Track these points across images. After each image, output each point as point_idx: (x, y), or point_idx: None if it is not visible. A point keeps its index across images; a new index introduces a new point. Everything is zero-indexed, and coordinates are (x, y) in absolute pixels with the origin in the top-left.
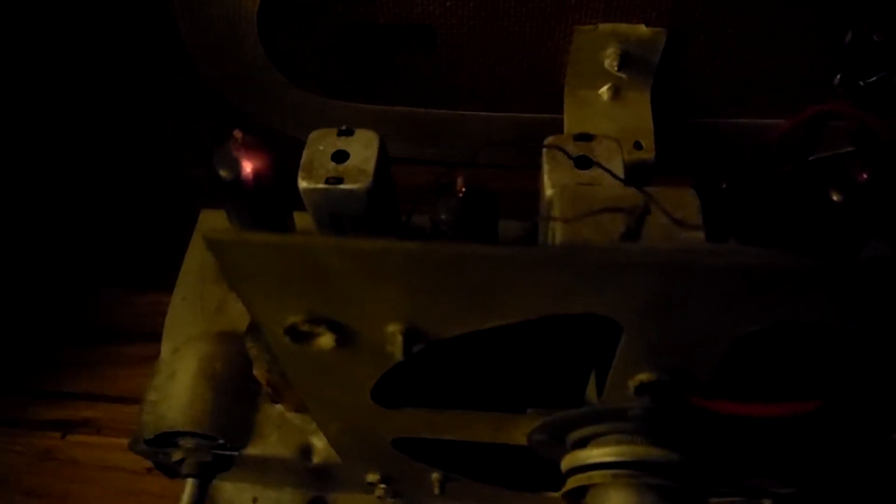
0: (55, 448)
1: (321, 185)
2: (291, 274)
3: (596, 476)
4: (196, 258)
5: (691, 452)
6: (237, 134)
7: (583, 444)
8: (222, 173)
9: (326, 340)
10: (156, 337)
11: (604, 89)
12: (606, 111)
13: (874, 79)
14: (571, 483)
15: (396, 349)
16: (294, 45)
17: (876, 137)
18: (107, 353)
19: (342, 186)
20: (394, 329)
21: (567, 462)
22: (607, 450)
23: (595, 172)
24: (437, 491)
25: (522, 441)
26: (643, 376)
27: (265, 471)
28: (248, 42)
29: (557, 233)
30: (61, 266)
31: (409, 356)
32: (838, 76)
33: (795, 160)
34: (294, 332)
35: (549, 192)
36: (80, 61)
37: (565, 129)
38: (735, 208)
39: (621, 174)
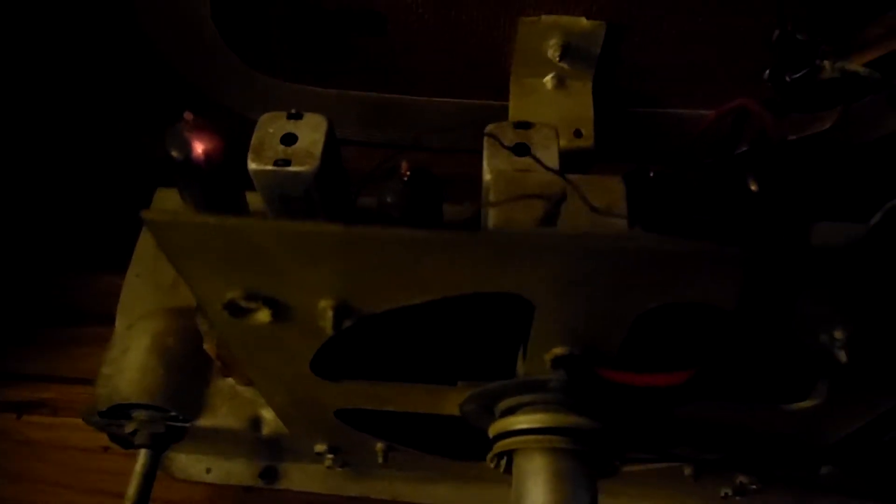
0: (10, 429)
1: (269, 167)
2: (227, 254)
3: (519, 441)
4: (150, 236)
5: (608, 419)
6: (188, 116)
7: (510, 412)
8: (173, 153)
9: (263, 315)
10: (112, 318)
11: (548, 78)
12: (550, 99)
13: (799, 75)
14: (498, 448)
15: (327, 324)
16: (246, 27)
17: (764, 135)
18: (63, 335)
19: (290, 169)
20: (325, 305)
21: (494, 429)
22: (529, 417)
23: (531, 159)
24: (380, 460)
25: (455, 411)
26: (557, 350)
27: (217, 441)
28: (203, 23)
29: (490, 216)
30: (15, 248)
31: (339, 330)
32: (767, 71)
33: (720, 151)
34: (232, 308)
35: (487, 176)
36: (33, 41)
37: (510, 117)
38: (660, 195)
39: (556, 161)
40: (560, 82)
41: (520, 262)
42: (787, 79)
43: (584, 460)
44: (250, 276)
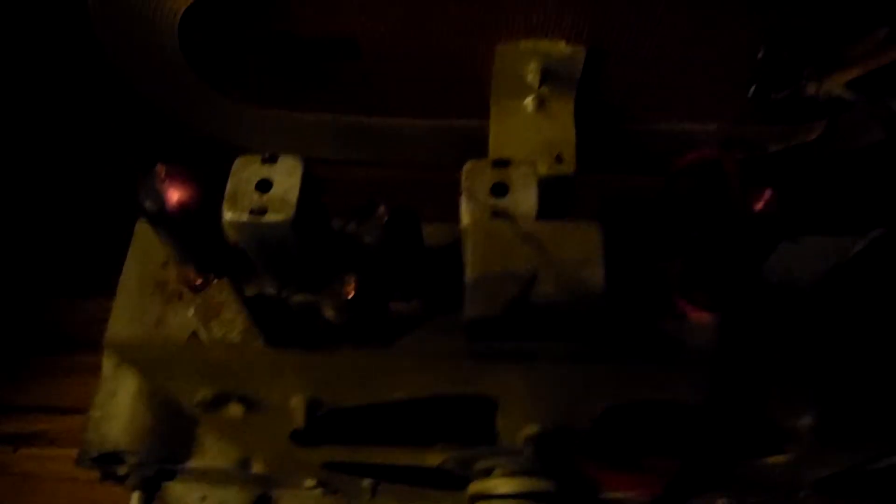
0: (8, 462)
1: (245, 218)
2: (193, 369)
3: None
4: (133, 272)
5: (575, 482)
6: (159, 169)
7: (486, 473)
8: (147, 205)
9: (236, 410)
10: (101, 345)
11: (528, 100)
12: (531, 122)
13: (783, 93)
14: None
15: (299, 418)
16: (218, 57)
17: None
18: (54, 364)
19: (265, 219)
20: (296, 402)
21: (473, 488)
22: (504, 482)
23: (510, 200)
24: (368, 496)
25: (436, 463)
26: (529, 430)
27: (209, 477)
28: (172, 57)
29: (469, 267)
30: (4, 277)
31: (312, 423)
32: (753, 88)
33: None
34: (204, 405)
35: (465, 220)
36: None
37: (490, 141)
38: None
39: (534, 204)
40: (541, 104)
41: (477, 379)
42: (773, 96)
43: None
44: (219, 382)
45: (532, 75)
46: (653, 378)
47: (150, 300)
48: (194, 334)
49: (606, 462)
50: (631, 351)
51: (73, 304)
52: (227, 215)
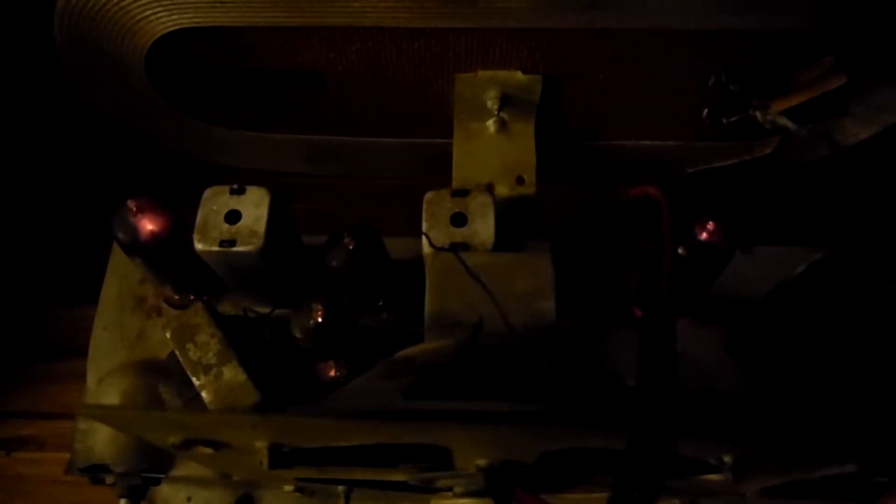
0: (1, 466)
1: (215, 248)
2: (161, 426)
3: None
4: (113, 287)
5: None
6: (130, 204)
7: (448, 489)
8: (121, 237)
9: (205, 450)
10: (86, 351)
11: (490, 122)
12: (493, 144)
13: (733, 119)
14: None
15: (264, 460)
16: (188, 86)
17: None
18: (40, 371)
19: (234, 250)
20: (260, 445)
21: (435, 502)
22: (463, 501)
23: (468, 231)
24: (342, 501)
25: (400, 479)
26: (479, 461)
27: (193, 480)
28: (140, 87)
29: (427, 299)
30: None
31: (277, 460)
32: (706, 111)
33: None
34: (175, 447)
35: (426, 250)
36: None
37: (454, 162)
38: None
39: (491, 232)
40: (502, 126)
41: (424, 433)
42: (724, 121)
43: None
44: (187, 432)
45: (491, 101)
46: (584, 434)
47: (130, 315)
48: (173, 353)
49: (549, 489)
50: (564, 415)
51: (58, 311)
52: (198, 246)
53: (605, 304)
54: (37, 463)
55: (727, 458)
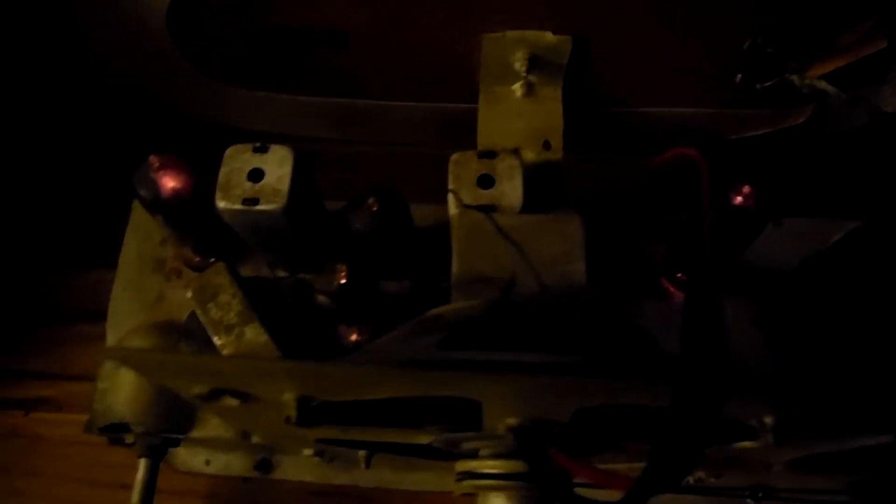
0: (20, 426)
1: (238, 206)
2: (187, 372)
3: (479, 484)
4: (133, 249)
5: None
6: (153, 159)
7: (474, 453)
8: (142, 194)
9: (231, 402)
10: (103, 314)
11: (516, 86)
12: (519, 108)
13: (768, 84)
14: (464, 488)
15: (291, 412)
16: (209, 44)
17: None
18: (58, 334)
19: (258, 208)
20: (288, 397)
21: (460, 466)
22: (489, 463)
23: (496, 192)
24: (363, 465)
25: (425, 443)
26: (510, 420)
27: (213, 443)
28: (161, 44)
29: (455, 259)
30: (5, 251)
31: (304, 414)
32: (739, 75)
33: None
34: (202, 397)
35: (452, 210)
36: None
37: (479, 127)
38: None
39: (520, 195)
40: (529, 90)
41: (457, 384)
42: (758, 86)
43: (537, 499)
44: (213, 380)
45: (519, 63)
46: (621, 388)
47: (149, 277)
48: (193, 314)
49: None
50: (600, 367)
51: (73, 275)
52: (220, 204)
53: (632, 275)
54: (55, 424)
55: (768, 420)
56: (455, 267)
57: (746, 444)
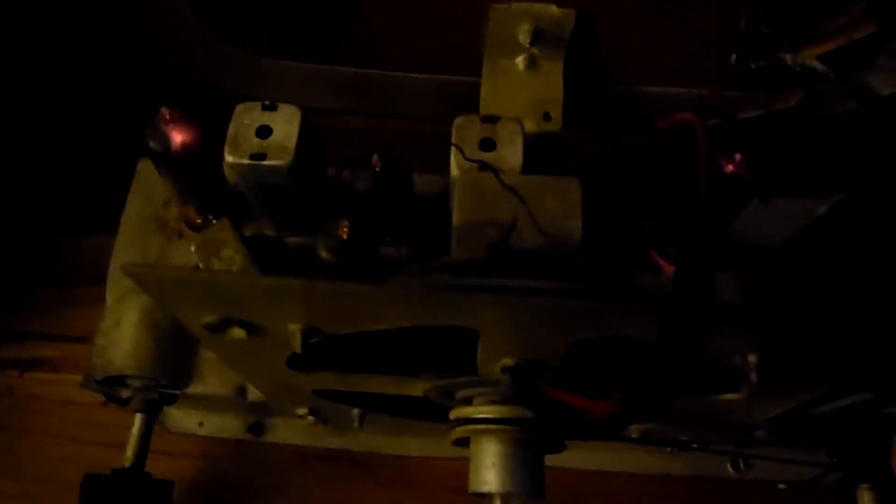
0: (15, 385)
1: (245, 161)
2: (200, 293)
3: (473, 429)
4: (135, 209)
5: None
6: (164, 111)
7: (467, 401)
8: (152, 146)
9: (238, 333)
10: (103, 278)
11: (519, 59)
12: (521, 81)
13: (762, 63)
14: (458, 433)
15: (296, 344)
16: (223, 8)
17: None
18: (57, 296)
19: (265, 163)
20: (293, 328)
21: (454, 413)
22: (483, 409)
23: (496, 155)
24: (356, 425)
25: (420, 393)
26: (505, 360)
27: (208, 402)
28: (177, 5)
29: (455, 214)
30: (8, 214)
31: (307, 349)
32: (734, 56)
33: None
34: (210, 328)
35: (454, 172)
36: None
37: (481, 98)
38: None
39: (520, 158)
40: (531, 63)
41: (460, 310)
42: (752, 66)
43: (530, 444)
44: (224, 307)
45: (524, 35)
46: (619, 315)
47: (151, 238)
48: (195, 270)
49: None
50: (602, 292)
51: (74, 240)
52: (228, 158)
53: (623, 247)
54: (50, 384)
55: (752, 358)
56: (455, 218)
57: (732, 395)
